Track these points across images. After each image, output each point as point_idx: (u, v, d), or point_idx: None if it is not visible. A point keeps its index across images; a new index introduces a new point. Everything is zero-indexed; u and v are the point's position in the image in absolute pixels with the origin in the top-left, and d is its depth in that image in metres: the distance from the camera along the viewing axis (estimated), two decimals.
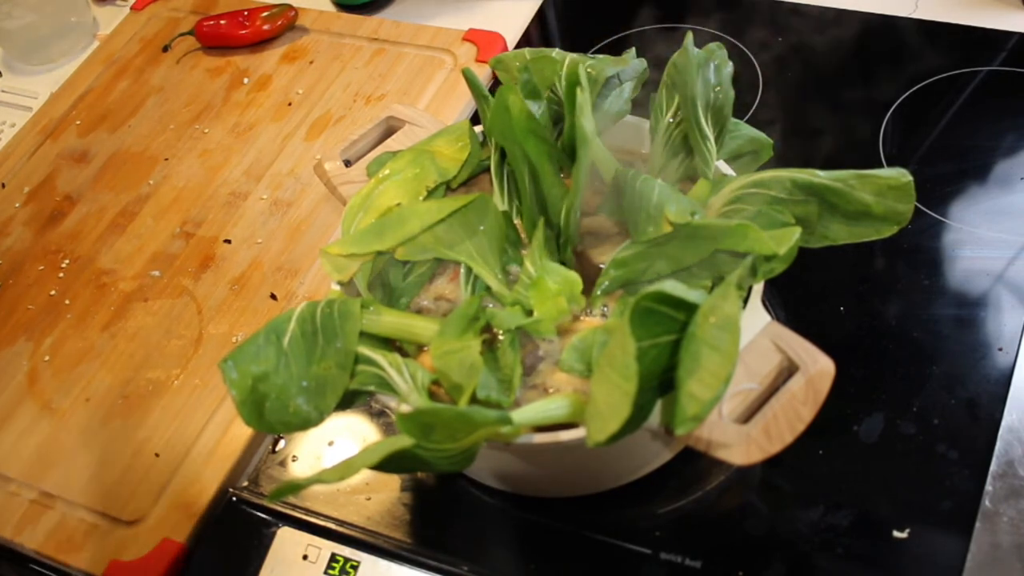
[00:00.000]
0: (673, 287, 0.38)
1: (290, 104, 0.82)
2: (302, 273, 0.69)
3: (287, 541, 0.54)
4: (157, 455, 0.60)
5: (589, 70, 0.54)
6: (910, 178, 0.43)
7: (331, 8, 0.91)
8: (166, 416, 0.62)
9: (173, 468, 0.60)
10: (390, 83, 0.82)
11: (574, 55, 0.55)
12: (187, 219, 0.75)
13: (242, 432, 0.60)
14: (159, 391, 0.64)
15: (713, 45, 0.52)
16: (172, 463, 0.60)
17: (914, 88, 0.73)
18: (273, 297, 0.67)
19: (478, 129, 0.57)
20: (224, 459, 0.59)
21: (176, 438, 0.61)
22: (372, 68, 0.83)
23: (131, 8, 0.96)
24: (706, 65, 0.51)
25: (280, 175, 0.76)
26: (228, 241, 0.72)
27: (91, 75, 0.90)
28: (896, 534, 0.50)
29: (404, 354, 0.49)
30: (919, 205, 0.64)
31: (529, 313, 0.49)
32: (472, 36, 0.84)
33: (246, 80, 0.85)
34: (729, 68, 0.52)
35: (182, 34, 0.95)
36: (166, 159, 0.80)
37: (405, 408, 0.45)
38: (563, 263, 0.52)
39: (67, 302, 0.71)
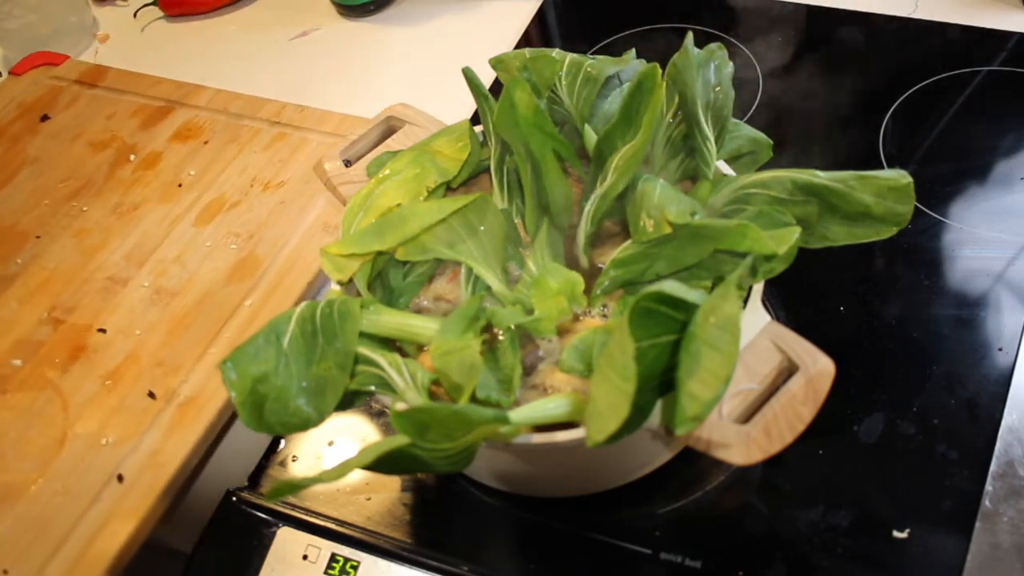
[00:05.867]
0: (673, 287, 0.38)
1: (180, 185, 0.75)
2: (185, 370, 0.61)
3: (287, 541, 0.54)
4: (5, 572, 0.54)
5: (589, 70, 0.54)
6: (910, 179, 0.43)
7: (232, 88, 0.84)
8: (19, 526, 0.55)
9: None
10: (291, 169, 0.75)
11: (574, 55, 0.55)
12: (56, 304, 0.67)
13: (109, 547, 0.53)
14: (13, 497, 0.56)
15: (713, 45, 0.52)
16: None
17: (914, 88, 0.73)
18: (151, 395, 0.60)
19: (478, 129, 0.57)
20: None
21: (29, 553, 0.54)
22: (271, 153, 0.76)
23: (10, 72, 0.90)
24: (706, 65, 0.51)
25: (165, 261, 0.69)
26: (103, 330, 0.65)
27: None
28: (896, 534, 0.50)
29: (404, 354, 0.49)
30: (919, 205, 0.64)
31: (530, 312, 0.49)
32: None
33: (132, 157, 0.78)
34: (729, 68, 0.52)
35: (146, 4, 0.96)
36: (37, 236, 0.72)
37: (400, 406, 0.45)
38: (578, 258, 0.52)
39: None
